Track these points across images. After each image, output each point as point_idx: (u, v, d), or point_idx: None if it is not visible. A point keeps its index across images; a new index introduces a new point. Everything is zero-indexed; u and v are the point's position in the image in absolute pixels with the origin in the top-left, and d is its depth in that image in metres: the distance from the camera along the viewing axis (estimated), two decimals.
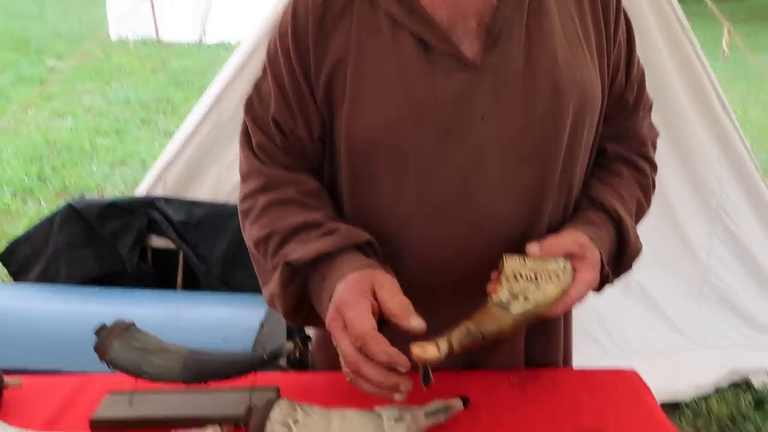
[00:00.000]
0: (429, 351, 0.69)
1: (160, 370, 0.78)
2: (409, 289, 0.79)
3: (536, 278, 0.78)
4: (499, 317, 0.74)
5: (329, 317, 0.75)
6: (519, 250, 0.82)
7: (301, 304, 0.86)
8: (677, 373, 2.25)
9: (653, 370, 2.24)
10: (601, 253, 0.82)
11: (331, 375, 0.93)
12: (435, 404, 0.81)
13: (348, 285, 0.74)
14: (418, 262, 0.87)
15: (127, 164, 4.55)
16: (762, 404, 2.20)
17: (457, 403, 0.83)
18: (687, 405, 2.19)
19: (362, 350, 0.70)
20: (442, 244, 0.86)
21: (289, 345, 0.83)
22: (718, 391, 2.26)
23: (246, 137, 0.92)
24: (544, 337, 0.97)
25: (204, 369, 0.79)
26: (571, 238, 0.82)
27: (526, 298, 0.76)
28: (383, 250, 0.85)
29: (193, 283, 1.70)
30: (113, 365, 0.78)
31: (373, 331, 0.70)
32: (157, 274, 1.76)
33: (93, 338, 0.80)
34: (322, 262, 0.80)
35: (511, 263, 0.81)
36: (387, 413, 0.76)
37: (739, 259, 2.34)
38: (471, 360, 0.95)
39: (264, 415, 0.75)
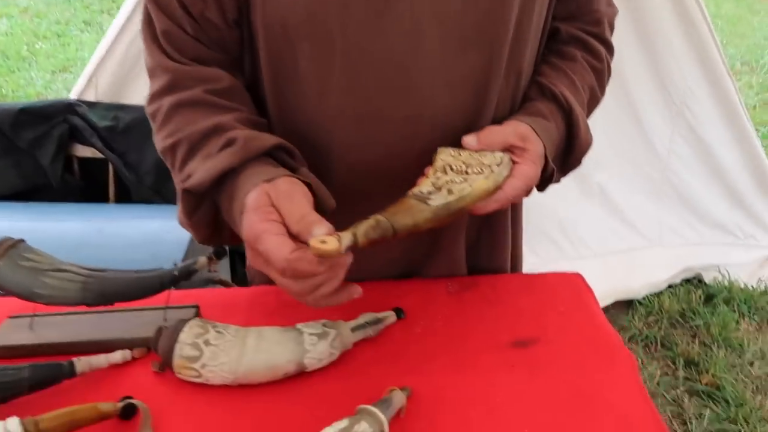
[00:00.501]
0: (329, 243, 0.58)
1: (55, 293, 0.70)
2: (339, 196, 0.71)
3: (467, 171, 0.70)
4: (415, 210, 0.65)
5: (248, 257, 0.67)
6: (459, 145, 0.75)
7: (215, 227, 0.77)
8: (632, 271, 2.27)
9: (609, 270, 2.28)
10: (545, 147, 0.74)
11: (257, 290, 0.87)
12: (364, 317, 0.75)
13: (249, 213, 0.64)
14: (349, 165, 0.78)
15: (69, 71, 4.25)
16: (712, 299, 2.25)
17: (388, 315, 0.78)
18: (640, 302, 2.23)
19: (296, 278, 0.63)
20: (375, 143, 0.77)
21: (203, 260, 0.75)
22: (671, 288, 2.30)
23: (149, 26, 0.79)
24: (490, 242, 0.91)
25: (106, 290, 0.72)
26: (513, 129, 0.74)
27: (450, 191, 0.68)
28: (311, 155, 0.76)
29: (126, 195, 1.59)
30: (0, 288, 0.70)
31: (295, 256, 0.62)
32: (86, 187, 1.64)
33: None
34: (226, 180, 0.69)
35: (443, 156, 0.73)
36: (309, 329, 0.71)
37: (699, 157, 2.31)
38: (408, 268, 0.90)
39: (173, 337, 0.68)
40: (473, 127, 0.77)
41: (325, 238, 0.59)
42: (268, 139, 0.71)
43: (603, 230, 2.32)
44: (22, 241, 0.73)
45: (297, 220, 0.62)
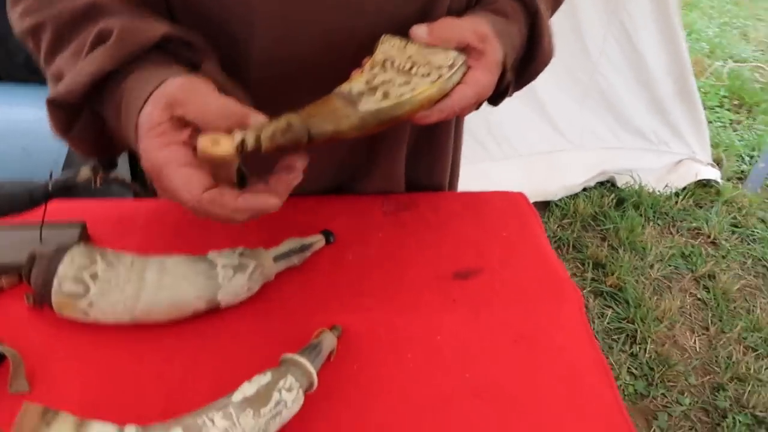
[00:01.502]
0: (221, 145, 0.46)
1: None
2: (257, 99, 0.57)
3: (411, 70, 0.58)
4: (340, 113, 0.53)
5: (158, 191, 0.52)
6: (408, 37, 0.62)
7: (102, 141, 0.60)
8: (552, 173, 2.28)
9: (530, 171, 2.27)
10: (506, 54, 0.63)
11: (159, 204, 0.73)
12: (288, 243, 0.65)
13: (144, 138, 0.49)
14: (272, 57, 0.64)
15: None
16: (622, 203, 2.32)
17: (316, 240, 0.68)
18: (557, 204, 2.26)
19: (212, 213, 0.50)
20: (306, 31, 0.62)
21: (86, 170, 0.61)
22: (586, 191, 2.35)
23: None
24: (430, 156, 0.81)
25: None
26: (471, 25, 0.61)
27: (386, 94, 0.55)
28: (223, 46, 0.60)
29: None
30: None
31: (209, 197, 0.49)
32: None
33: None
34: (106, 88, 0.54)
35: (386, 46, 0.61)
36: (223, 259, 0.59)
37: (628, 59, 2.27)
38: (338, 182, 0.79)
39: (49, 269, 0.55)
40: (425, 17, 0.64)
41: (216, 136, 0.46)
42: (154, 29, 0.54)
43: (528, 130, 2.29)
44: None
45: (220, 116, 0.49)
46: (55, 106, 0.55)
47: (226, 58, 0.60)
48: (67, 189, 0.59)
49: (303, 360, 0.52)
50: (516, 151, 2.23)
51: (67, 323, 0.57)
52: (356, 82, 0.56)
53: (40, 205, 0.58)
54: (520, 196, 0.83)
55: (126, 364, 0.55)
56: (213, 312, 0.59)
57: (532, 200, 0.81)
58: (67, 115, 0.56)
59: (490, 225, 0.76)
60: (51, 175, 0.59)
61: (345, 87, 0.56)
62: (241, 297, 0.60)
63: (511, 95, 0.70)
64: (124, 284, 0.55)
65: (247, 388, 0.49)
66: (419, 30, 0.61)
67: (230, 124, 0.49)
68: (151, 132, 0.48)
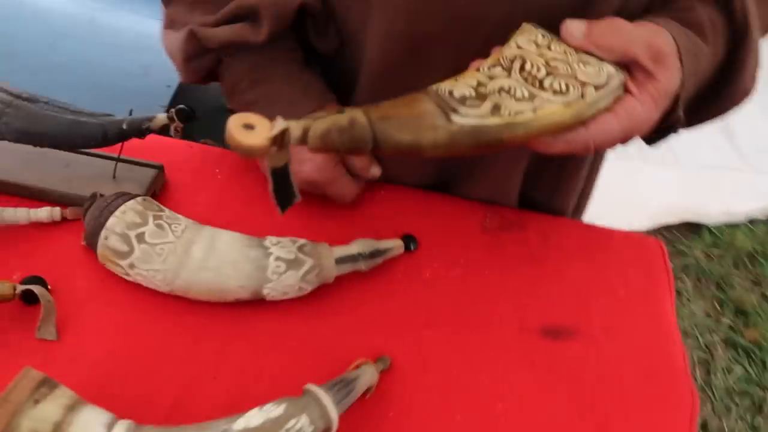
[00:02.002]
0: (254, 133, 0.36)
1: None
2: (368, 90, 0.56)
3: (542, 81, 0.45)
4: (425, 121, 0.40)
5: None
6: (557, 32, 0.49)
7: (211, 80, 0.63)
8: (714, 192, 1.98)
9: (688, 185, 1.98)
10: (683, 82, 0.47)
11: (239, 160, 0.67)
12: (359, 244, 0.56)
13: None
14: (386, 34, 0.55)
15: None
16: None
17: (393, 246, 0.59)
18: (710, 230, 1.97)
19: None
20: (430, 22, 0.52)
21: (161, 117, 0.56)
22: (751, 223, 2.02)
23: None
24: (555, 175, 0.68)
25: (31, 128, 0.54)
26: (646, 36, 0.46)
27: (496, 107, 0.42)
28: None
29: None
30: None
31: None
32: None
33: None
34: (243, 52, 0.58)
35: (523, 39, 0.48)
36: (278, 250, 0.52)
37: None
38: (439, 181, 0.68)
39: (101, 218, 0.51)
40: (586, 11, 0.50)
41: (252, 118, 0.37)
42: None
43: (696, 137, 1.98)
44: None
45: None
46: (191, 36, 0.56)
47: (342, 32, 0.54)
48: (140, 132, 0.55)
49: (326, 399, 0.44)
50: (676, 158, 1.95)
51: (113, 274, 0.53)
52: (462, 83, 0.44)
53: (111, 145, 0.55)
54: (656, 245, 0.67)
55: (152, 340, 0.51)
56: (257, 301, 0.53)
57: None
58: (195, 49, 0.58)
59: (605, 275, 0.62)
60: (131, 113, 0.54)
61: (445, 86, 0.44)
62: (290, 295, 0.53)
63: (677, 134, 0.54)
64: (168, 254, 0.50)
65: (253, 418, 0.42)
66: (574, 27, 0.48)
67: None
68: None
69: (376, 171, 0.61)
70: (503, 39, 0.49)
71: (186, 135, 0.61)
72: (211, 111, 1.07)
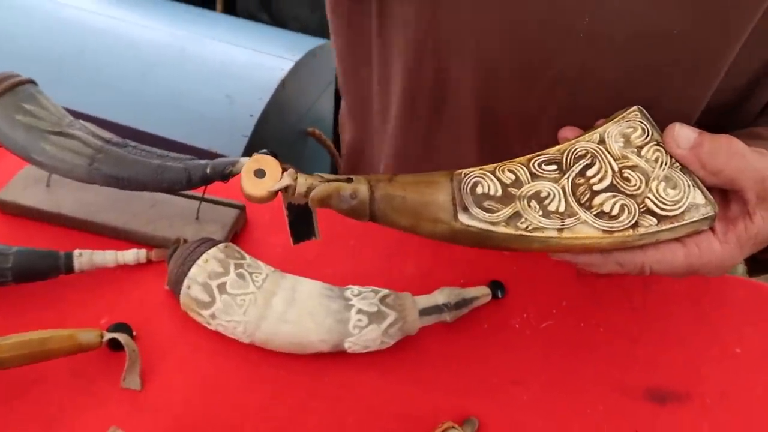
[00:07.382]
0: (263, 183, 0.40)
1: (56, 164, 0.53)
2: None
3: (599, 193, 0.39)
4: (429, 210, 0.39)
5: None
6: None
7: None
8: None
9: None
10: None
11: None
12: (443, 293, 0.53)
13: None
14: (482, 103, 0.51)
15: None
16: None
17: (480, 295, 0.55)
18: None
19: None
20: (525, 68, 0.48)
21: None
22: None
23: None
24: None
25: (120, 172, 0.54)
26: (765, 168, 0.39)
27: (516, 215, 0.38)
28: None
29: (233, 5, 1.33)
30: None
31: None
32: None
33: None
34: None
35: (618, 127, 0.41)
36: (361, 302, 0.50)
37: None
38: None
39: (185, 265, 0.51)
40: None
41: (265, 162, 0.40)
42: None
43: None
44: (29, 82, 0.56)
45: None
46: None
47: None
48: (223, 177, 0.54)
49: None
50: None
51: (195, 320, 0.53)
52: (497, 176, 0.39)
53: (195, 188, 0.54)
54: None
55: (232, 392, 0.50)
56: (337, 353, 0.51)
57: None
58: None
59: (718, 328, 0.56)
60: (215, 155, 0.53)
61: (473, 175, 0.40)
62: (372, 349, 0.51)
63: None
64: (249, 306, 0.49)
65: None
66: (683, 136, 0.40)
67: None
68: None
69: None
70: (594, 114, 0.43)
71: None
72: (290, 140, 1.07)
